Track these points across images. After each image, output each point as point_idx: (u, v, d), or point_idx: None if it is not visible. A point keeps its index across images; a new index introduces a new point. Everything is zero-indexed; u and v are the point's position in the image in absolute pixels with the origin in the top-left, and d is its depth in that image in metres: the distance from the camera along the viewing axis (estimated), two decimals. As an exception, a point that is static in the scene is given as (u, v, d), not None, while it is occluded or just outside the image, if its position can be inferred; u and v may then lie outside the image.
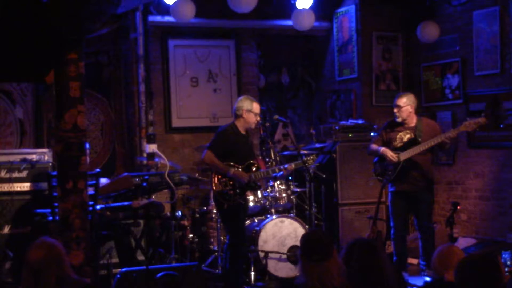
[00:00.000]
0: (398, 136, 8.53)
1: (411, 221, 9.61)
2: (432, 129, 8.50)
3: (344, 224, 10.04)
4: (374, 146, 8.65)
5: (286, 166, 8.38)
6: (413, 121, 8.51)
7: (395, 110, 8.47)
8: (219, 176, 7.99)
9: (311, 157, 8.55)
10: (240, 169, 7.99)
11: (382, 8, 10.94)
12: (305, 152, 9.61)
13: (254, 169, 8.11)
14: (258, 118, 8.18)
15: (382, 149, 8.49)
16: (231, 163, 7.97)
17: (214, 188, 7.99)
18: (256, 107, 8.08)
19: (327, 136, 10.47)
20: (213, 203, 8.79)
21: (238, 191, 7.99)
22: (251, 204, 9.14)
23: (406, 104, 8.43)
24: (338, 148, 10.08)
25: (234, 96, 10.61)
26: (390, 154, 8.39)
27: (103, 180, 8.21)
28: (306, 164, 8.42)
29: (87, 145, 8.19)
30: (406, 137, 8.48)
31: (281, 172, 8.48)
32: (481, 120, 8.23)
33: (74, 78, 5.81)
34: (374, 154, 8.68)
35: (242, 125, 8.09)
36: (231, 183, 7.97)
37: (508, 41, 9.36)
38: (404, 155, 8.34)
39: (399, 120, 8.48)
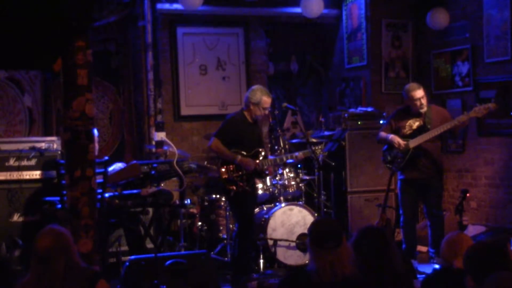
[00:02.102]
0: (407, 123, 8.51)
1: (420, 209, 9.59)
2: (441, 116, 8.48)
3: (353, 212, 10.02)
4: (383, 134, 8.63)
5: (296, 154, 8.40)
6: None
7: (422, 101, 8.38)
8: (226, 163, 8.00)
9: (319, 147, 8.54)
10: (248, 157, 8.01)
11: (391, -5, 10.90)
12: (314, 140, 9.59)
13: (261, 157, 8.12)
14: (266, 112, 8.19)
15: (391, 136, 8.47)
16: (238, 151, 7.98)
17: (221, 175, 7.99)
18: (265, 101, 8.04)
19: (336, 123, 10.44)
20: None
21: (244, 178, 8.00)
22: (260, 192, 9.14)
23: (424, 93, 8.41)
24: (347, 135, 10.05)
25: (243, 84, 10.59)
26: (397, 140, 8.37)
27: (119, 165, 8.24)
28: (314, 154, 8.41)
29: (97, 133, 8.23)
30: (416, 124, 8.46)
31: (292, 160, 8.51)
32: (491, 105, 8.20)
33: (82, 66, 5.79)
34: (383, 142, 8.66)
35: (249, 115, 8.12)
36: (238, 170, 7.97)
37: (519, 27, 9.32)
38: (413, 143, 8.32)
39: (423, 110, 8.42)
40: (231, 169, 7.99)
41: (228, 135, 8.02)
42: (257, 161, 8.06)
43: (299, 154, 8.41)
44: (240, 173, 7.99)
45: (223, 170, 8.00)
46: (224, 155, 8.01)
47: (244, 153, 8.02)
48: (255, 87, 8.31)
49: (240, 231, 8.06)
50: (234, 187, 7.97)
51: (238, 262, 8.08)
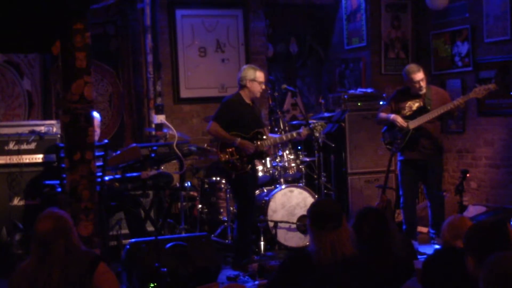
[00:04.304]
0: (407, 104, 8.50)
1: (420, 190, 9.59)
2: (441, 97, 8.48)
3: (353, 193, 10.02)
4: (383, 114, 8.62)
5: (300, 130, 8.35)
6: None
7: (421, 84, 8.37)
8: (226, 146, 7.99)
9: (320, 123, 8.49)
10: (247, 138, 7.99)
11: (390, -25, 10.86)
12: (314, 121, 9.58)
13: (261, 137, 8.10)
14: (263, 87, 8.19)
15: (392, 116, 8.46)
16: (238, 133, 7.96)
17: (221, 158, 7.98)
18: (259, 75, 8.06)
19: (336, 105, 10.42)
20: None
21: (245, 160, 7.99)
22: (260, 174, 9.14)
23: (424, 75, 8.40)
24: (347, 117, 10.03)
25: (243, 66, 10.56)
26: (400, 120, 8.37)
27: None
28: (315, 130, 8.38)
29: (99, 118, 8.22)
30: (415, 105, 8.45)
31: (295, 139, 8.46)
32: (491, 86, 8.19)
33: (80, 49, 5.77)
34: (383, 122, 8.66)
35: (247, 95, 8.10)
36: (237, 153, 7.96)
37: (519, 7, 9.28)
38: (413, 123, 8.32)
39: (423, 92, 8.41)
40: (231, 152, 7.98)
41: (226, 118, 8.00)
42: (258, 142, 8.05)
43: (302, 131, 8.35)
44: (240, 155, 7.98)
45: (223, 153, 7.99)
46: (223, 138, 7.99)
47: (244, 135, 8.00)
48: (245, 66, 8.35)
49: (239, 213, 8.07)
50: (235, 170, 7.97)
51: (238, 244, 8.09)
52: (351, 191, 10.04)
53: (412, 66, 8.57)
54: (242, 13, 10.75)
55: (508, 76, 9.35)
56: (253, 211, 8.23)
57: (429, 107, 8.35)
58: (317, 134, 8.48)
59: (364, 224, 4.92)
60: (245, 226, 8.05)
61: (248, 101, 8.12)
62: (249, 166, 8.06)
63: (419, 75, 8.37)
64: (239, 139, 7.94)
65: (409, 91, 8.53)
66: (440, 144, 8.65)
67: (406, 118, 8.42)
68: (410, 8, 10.94)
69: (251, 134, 8.05)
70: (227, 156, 7.97)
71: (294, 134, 8.39)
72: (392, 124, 8.51)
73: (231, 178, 8.07)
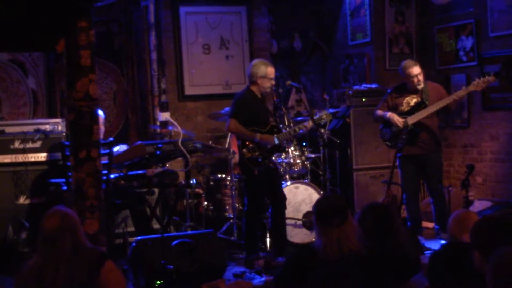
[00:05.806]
0: (404, 100, 8.51)
1: (423, 186, 9.58)
2: (438, 92, 8.48)
3: (359, 189, 10.02)
4: (380, 112, 8.63)
5: (306, 123, 8.34)
6: (419, 85, 8.48)
7: (420, 78, 8.35)
8: (246, 143, 7.97)
9: (325, 113, 8.44)
10: (265, 133, 7.99)
11: (394, -31, 10.83)
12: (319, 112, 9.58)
13: (277, 131, 8.10)
14: (273, 82, 8.17)
15: (388, 114, 8.46)
16: (255, 129, 7.96)
17: (245, 155, 7.94)
18: (270, 71, 8.04)
19: (341, 101, 10.41)
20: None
21: (266, 155, 8.00)
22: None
23: (421, 69, 8.39)
24: (352, 113, 10.03)
25: (247, 63, 10.54)
26: (396, 119, 8.36)
27: (123, 147, 8.25)
28: (321, 120, 8.36)
29: (103, 115, 8.23)
30: (413, 101, 8.45)
31: (302, 130, 8.45)
32: (490, 78, 8.16)
33: (85, 47, 5.78)
34: (380, 121, 8.66)
35: (257, 90, 8.08)
36: (258, 148, 7.95)
37: (523, 1, 9.25)
38: (412, 119, 8.31)
39: (421, 86, 8.40)
40: (252, 148, 7.96)
41: (243, 114, 7.97)
42: (275, 136, 8.05)
43: (307, 123, 8.33)
44: (260, 151, 7.97)
45: (245, 150, 7.97)
46: (244, 134, 7.97)
47: (261, 130, 8.00)
48: (256, 61, 8.27)
49: (250, 210, 8.03)
50: (258, 166, 7.95)
51: (246, 241, 8.10)
52: (357, 187, 10.04)
53: (408, 62, 8.56)
54: (246, 10, 10.75)
55: (513, 70, 9.33)
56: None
57: (427, 102, 8.34)
58: (323, 121, 8.44)
59: (369, 219, 4.91)
60: (255, 222, 8.05)
61: (259, 95, 8.12)
62: (270, 160, 8.07)
63: (416, 69, 8.36)
64: (259, 135, 7.92)
65: (406, 87, 8.52)
66: (438, 139, 8.65)
67: (404, 114, 8.42)
68: (414, 2, 10.91)
69: (268, 128, 8.05)
70: (249, 153, 7.95)
71: (301, 126, 8.35)
72: (388, 122, 8.51)
73: (253, 175, 8.03)
